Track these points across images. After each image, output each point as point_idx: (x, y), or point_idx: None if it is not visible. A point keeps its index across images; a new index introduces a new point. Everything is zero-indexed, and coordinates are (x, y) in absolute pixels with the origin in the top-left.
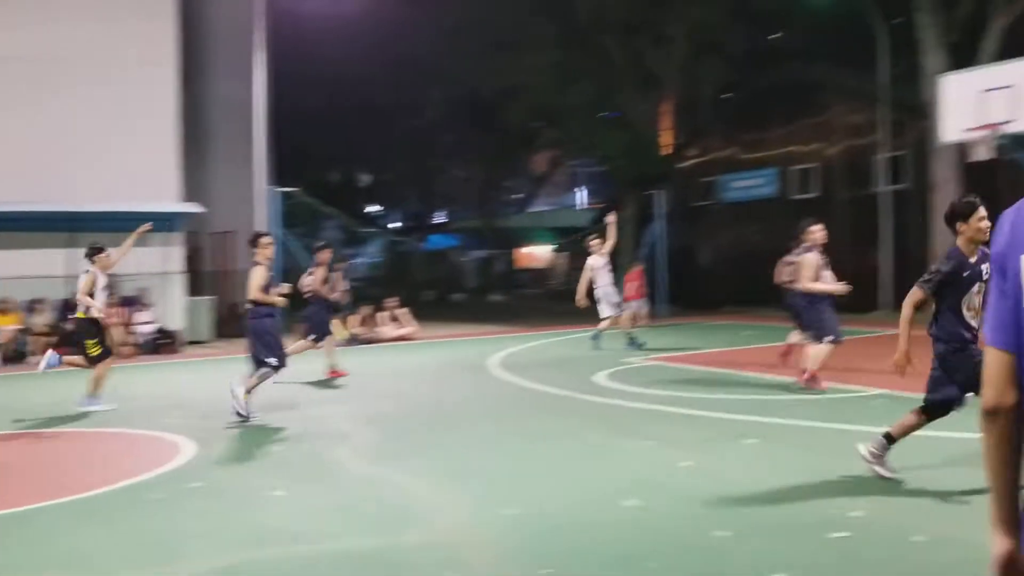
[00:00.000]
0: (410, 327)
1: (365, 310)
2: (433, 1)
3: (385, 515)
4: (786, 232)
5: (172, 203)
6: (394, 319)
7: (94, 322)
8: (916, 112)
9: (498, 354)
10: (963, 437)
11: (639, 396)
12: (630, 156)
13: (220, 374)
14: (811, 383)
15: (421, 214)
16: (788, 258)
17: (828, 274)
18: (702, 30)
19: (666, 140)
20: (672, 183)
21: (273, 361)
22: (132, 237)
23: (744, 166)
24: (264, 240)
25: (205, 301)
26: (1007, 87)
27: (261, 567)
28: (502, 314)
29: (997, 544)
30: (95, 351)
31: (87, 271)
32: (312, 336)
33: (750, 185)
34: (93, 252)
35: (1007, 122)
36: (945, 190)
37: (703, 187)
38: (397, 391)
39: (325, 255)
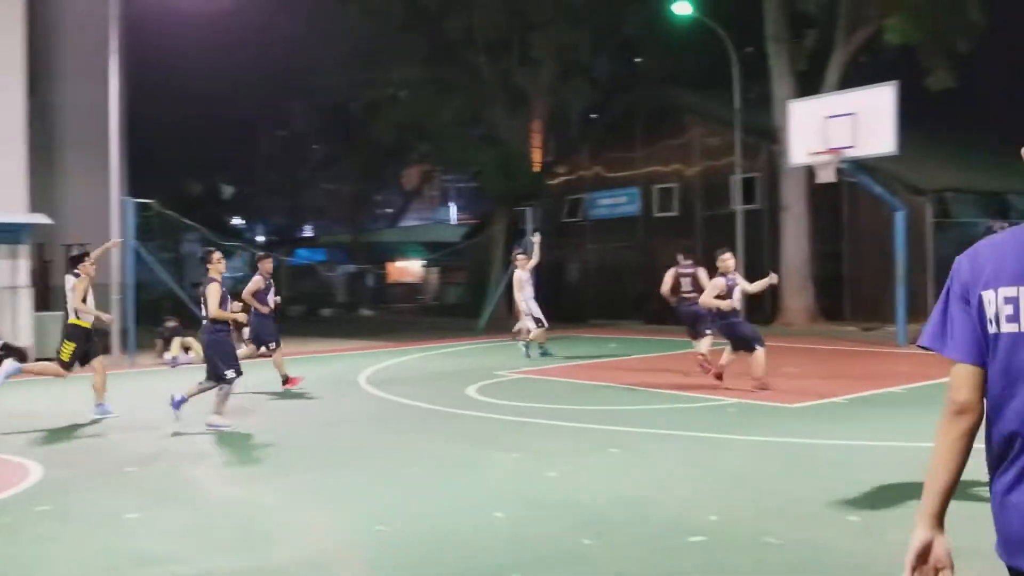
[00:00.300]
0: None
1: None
2: (301, 11)
3: (247, 536)
4: (648, 248)
5: (18, 214)
6: None
7: (82, 329)
8: (767, 136)
9: (368, 369)
10: (811, 443)
11: (508, 409)
12: (500, 172)
13: (70, 392)
14: (761, 388)
15: (288, 228)
16: (681, 269)
17: (737, 294)
18: (568, 52)
19: (536, 157)
20: (542, 200)
21: (231, 374)
22: (99, 250)
23: (610, 184)
24: (215, 256)
25: (56, 316)
26: (849, 114)
27: None
28: (373, 329)
29: (919, 534)
30: (67, 356)
31: (77, 275)
32: (273, 344)
33: (615, 203)
34: (78, 259)
35: (849, 147)
36: (794, 210)
37: (572, 204)
38: (261, 408)
39: (268, 264)
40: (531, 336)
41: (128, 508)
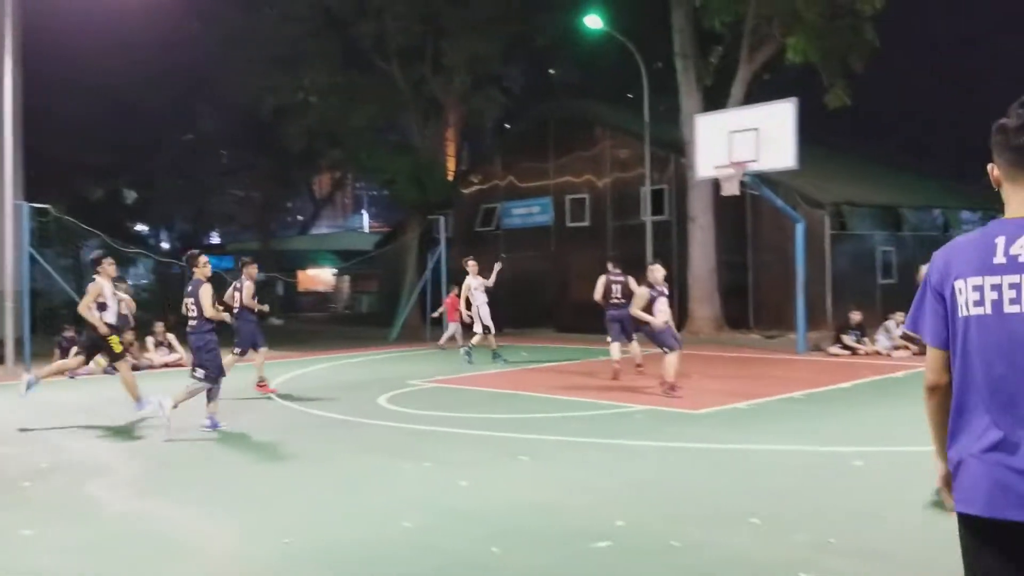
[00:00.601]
0: (180, 353)
1: (129, 336)
2: (207, 11)
3: (149, 551)
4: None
5: None
6: (162, 344)
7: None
8: (676, 149)
9: (278, 379)
10: (715, 448)
11: (420, 418)
12: (413, 181)
13: None
14: (671, 391)
15: (194, 234)
16: (612, 277)
17: (663, 303)
18: (480, 61)
19: (450, 166)
20: (456, 208)
21: (211, 375)
22: None
23: (523, 194)
24: (201, 259)
25: None
26: (752, 129)
27: None
28: (283, 338)
29: (940, 467)
30: (119, 347)
31: (93, 280)
32: (239, 350)
33: (528, 212)
34: (98, 260)
35: (752, 161)
36: (701, 221)
37: (485, 213)
38: (164, 420)
39: (253, 269)
40: (475, 342)
41: (22, 524)
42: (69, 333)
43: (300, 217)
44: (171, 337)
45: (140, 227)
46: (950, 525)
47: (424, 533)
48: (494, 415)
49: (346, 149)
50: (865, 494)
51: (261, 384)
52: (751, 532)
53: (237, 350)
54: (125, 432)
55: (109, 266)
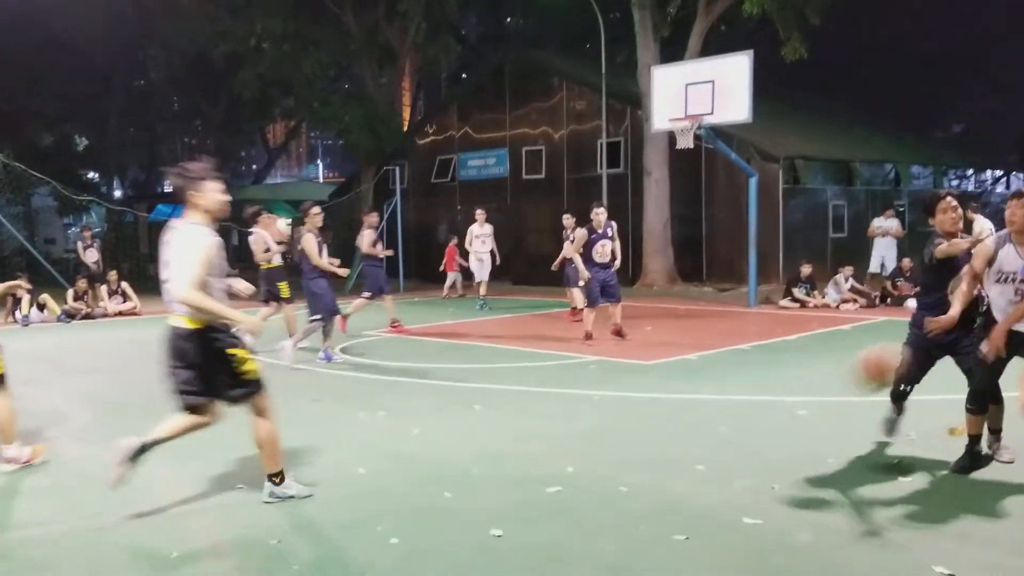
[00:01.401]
0: (133, 302)
1: (82, 284)
2: None
3: (104, 496)
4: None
5: None
6: (116, 293)
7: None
8: (633, 101)
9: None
10: (664, 398)
11: (374, 368)
12: (367, 130)
13: None
14: (586, 339)
15: (146, 182)
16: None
17: (602, 247)
18: (435, 8)
19: (405, 116)
20: (411, 159)
21: (319, 316)
22: None
23: (479, 145)
24: (313, 210)
25: None
26: (708, 82)
27: None
28: None
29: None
30: (287, 292)
31: (254, 231)
32: (368, 294)
33: (484, 164)
34: (256, 215)
35: (707, 114)
36: (656, 175)
37: (441, 164)
38: (118, 368)
39: (373, 218)
40: (482, 292)
41: None
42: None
43: (254, 167)
44: (125, 285)
45: (92, 175)
46: (889, 473)
47: (377, 478)
48: (449, 364)
49: (299, 97)
50: (808, 442)
51: (395, 325)
52: (696, 478)
53: (367, 294)
54: (77, 380)
55: (316, 216)
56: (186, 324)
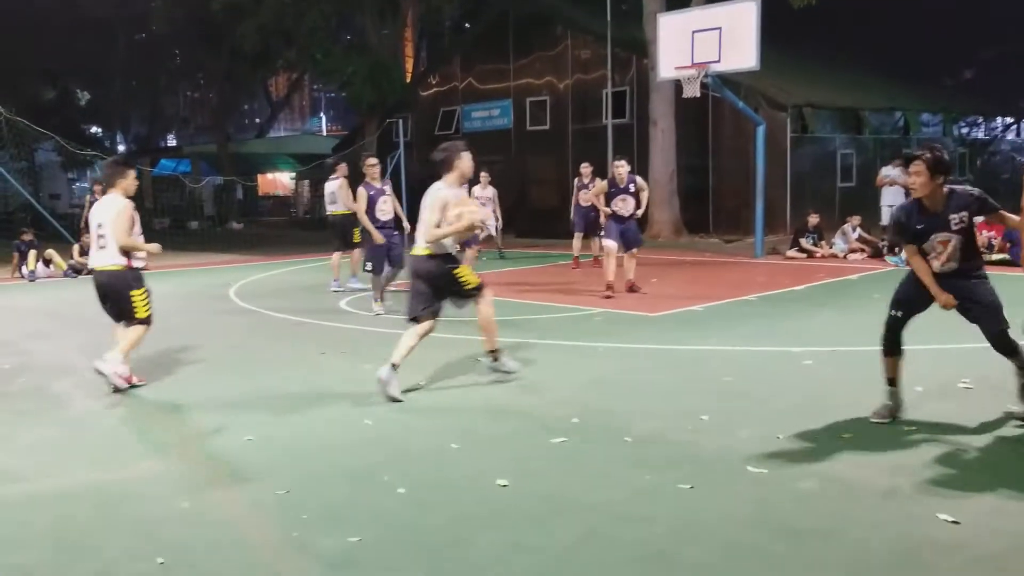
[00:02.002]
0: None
1: (88, 239)
2: None
3: (113, 448)
4: (520, 162)
5: None
6: None
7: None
8: (638, 50)
9: (239, 283)
10: (669, 349)
11: (381, 320)
12: (370, 82)
13: None
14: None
15: (149, 137)
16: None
17: (624, 201)
18: None
19: (408, 68)
20: (414, 111)
21: (368, 267)
22: None
23: (483, 97)
24: (369, 161)
25: None
26: (715, 29)
27: None
28: (243, 243)
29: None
30: (358, 237)
31: (334, 178)
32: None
33: (488, 116)
34: (337, 164)
35: (714, 62)
36: (662, 125)
37: (445, 116)
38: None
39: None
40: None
41: None
42: (28, 236)
43: (257, 120)
44: None
45: (95, 130)
46: (895, 423)
47: (384, 429)
48: (454, 317)
49: (301, 49)
50: (813, 392)
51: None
52: (701, 428)
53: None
54: (87, 334)
55: (373, 167)
56: (426, 252)
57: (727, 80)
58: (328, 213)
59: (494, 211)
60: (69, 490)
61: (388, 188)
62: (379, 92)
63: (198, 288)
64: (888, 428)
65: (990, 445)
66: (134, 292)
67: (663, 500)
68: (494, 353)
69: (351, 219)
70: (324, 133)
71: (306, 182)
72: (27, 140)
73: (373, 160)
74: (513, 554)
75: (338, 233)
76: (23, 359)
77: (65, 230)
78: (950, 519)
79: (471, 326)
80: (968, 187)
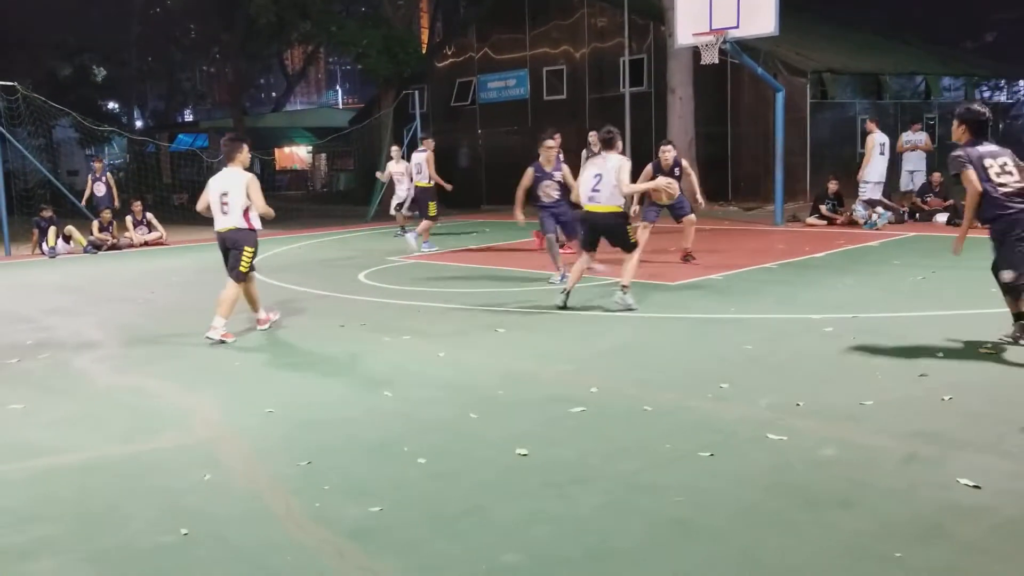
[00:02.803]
0: (159, 232)
1: (107, 215)
2: None
3: (136, 422)
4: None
5: None
6: (140, 224)
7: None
8: (655, 17)
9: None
10: (688, 318)
11: (398, 293)
12: (386, 53)
13: None
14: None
15: (166, 111)
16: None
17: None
18: None
19: (423, 39)
20: (430, 83)
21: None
22: None
23: (499, 67)
24: (548, 143)
25: None
26: None
27: None
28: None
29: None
30: (434, 211)
31: (421, 151)
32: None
33: (504, 86)
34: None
35: (732, 28)
36: (680, 92)
37: (461, 87)
38: (146, 298)
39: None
40: None
41: (11, 399)
42: (47, 213)
43: (274, 94)
44: (150, 216)
45: (112, 106)
46: (915, 389)
47: (404, 401)
48: (473, 289)
49: (316, 21)
50: (834, 359)
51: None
52: (721, 396)
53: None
54: (107, 309)
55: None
56: (614, 210)
57: (745, 46)
58: (413, 184)
59: (408, 188)
60: (93, 463)
61: (558, 173)
62: (395, 64)
63: (216, 263)
64: (907, 394)
65: (1009, 412)
66: (247, 249)
67: (683, 468)
68: (625, 288)
69: (430, 191)
70: (340, 106)
71: (323, 155)
72: (45, 116)
73: (551, 142)
74: (533, 523)
75: (420, 204)
76: (45, 335)
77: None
78: (971, 484)
79: (490, 296)
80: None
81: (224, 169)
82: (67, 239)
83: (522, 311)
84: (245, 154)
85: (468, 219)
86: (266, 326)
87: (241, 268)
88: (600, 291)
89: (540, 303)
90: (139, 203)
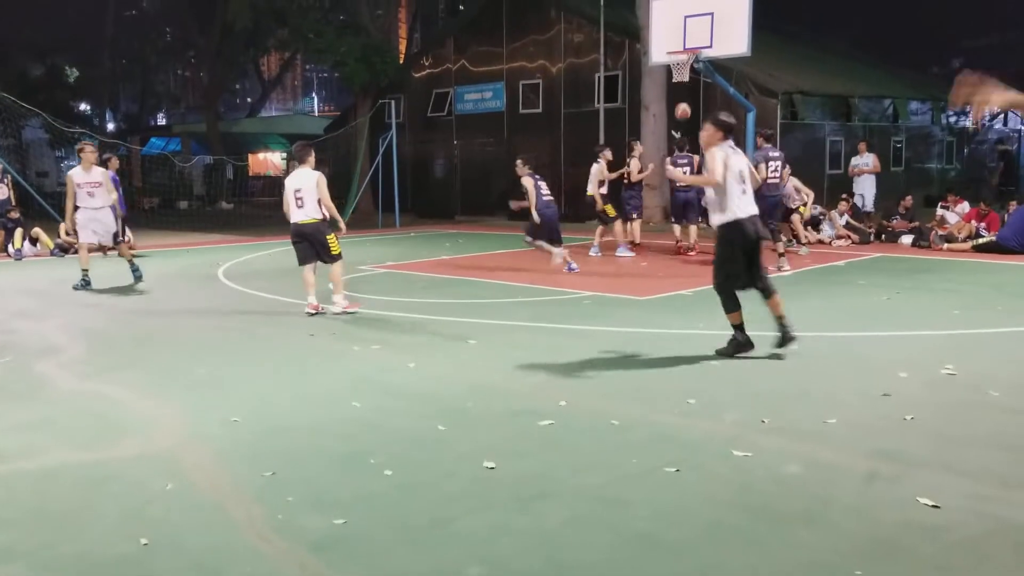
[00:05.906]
0: (127, 236)
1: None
2: None
3: (97, 429)
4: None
5: None
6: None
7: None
8: (631, 34)
9: (228, 263)
10: (656, 333)
11: (369, 302)
12: (363, 62)
13: None
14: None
15: (139, 115)
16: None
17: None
18: None
19: (401, 49)
20: (407, 93)
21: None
22: None
23: (476, 79)
24: (606, 155)
25: None
26: (708, 14)
27: None
28: (232, 223)
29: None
30: (613, 212)
31: (598, 163)
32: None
33: (481, 98)
34: (602, 149)
35: (705, 47)
36: (653, 109)
37: (438, 98)
38: (113, 302)
39: (608, 154)
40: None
41: None
42: (14, 215)
43: (248, 99)
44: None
45: (84, 107)
46: (878, 408)
47: (372, 411)
48: (444, 300)
49: (293, 28)
50: (799, 377)
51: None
52: (687, 411)
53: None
54: (72, 313)
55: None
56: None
57: (718, 66)
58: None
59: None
60: (52, 470)
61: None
62: (372, 73)
63: (186, 268)
64: (870, 413)
65: (969, 432)
66: (329, 236)
67: (648, 483)
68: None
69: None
70: (316, 113)
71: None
72: (14, 117)
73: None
74: (499, 536)
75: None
76: (7, 338)
77: (52, 208)
78: (930, 503)
79: (461, 308)
80: None
81: (296, 169)
82: (34, 241)
83: (494, 323)
84: (313, 156)
85: (442, 229)
86: (354, 310)
87: (332, 251)
88: (564, 304)
89: (512, 315)
90: None
